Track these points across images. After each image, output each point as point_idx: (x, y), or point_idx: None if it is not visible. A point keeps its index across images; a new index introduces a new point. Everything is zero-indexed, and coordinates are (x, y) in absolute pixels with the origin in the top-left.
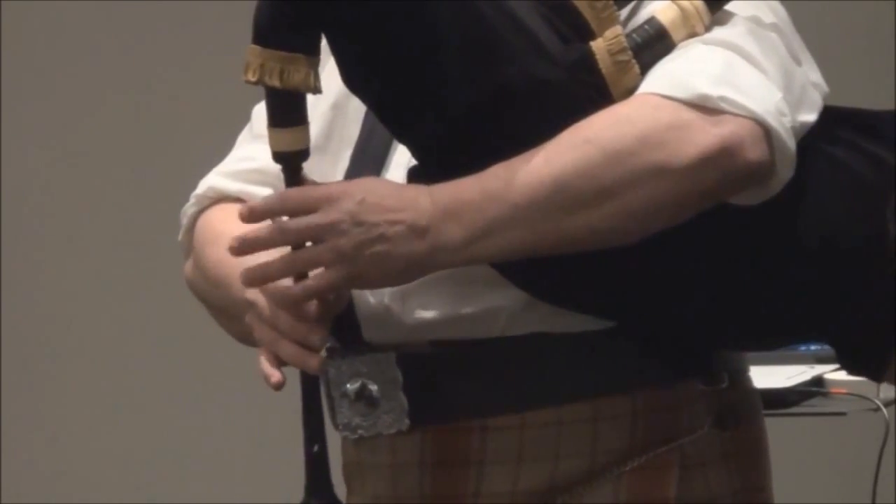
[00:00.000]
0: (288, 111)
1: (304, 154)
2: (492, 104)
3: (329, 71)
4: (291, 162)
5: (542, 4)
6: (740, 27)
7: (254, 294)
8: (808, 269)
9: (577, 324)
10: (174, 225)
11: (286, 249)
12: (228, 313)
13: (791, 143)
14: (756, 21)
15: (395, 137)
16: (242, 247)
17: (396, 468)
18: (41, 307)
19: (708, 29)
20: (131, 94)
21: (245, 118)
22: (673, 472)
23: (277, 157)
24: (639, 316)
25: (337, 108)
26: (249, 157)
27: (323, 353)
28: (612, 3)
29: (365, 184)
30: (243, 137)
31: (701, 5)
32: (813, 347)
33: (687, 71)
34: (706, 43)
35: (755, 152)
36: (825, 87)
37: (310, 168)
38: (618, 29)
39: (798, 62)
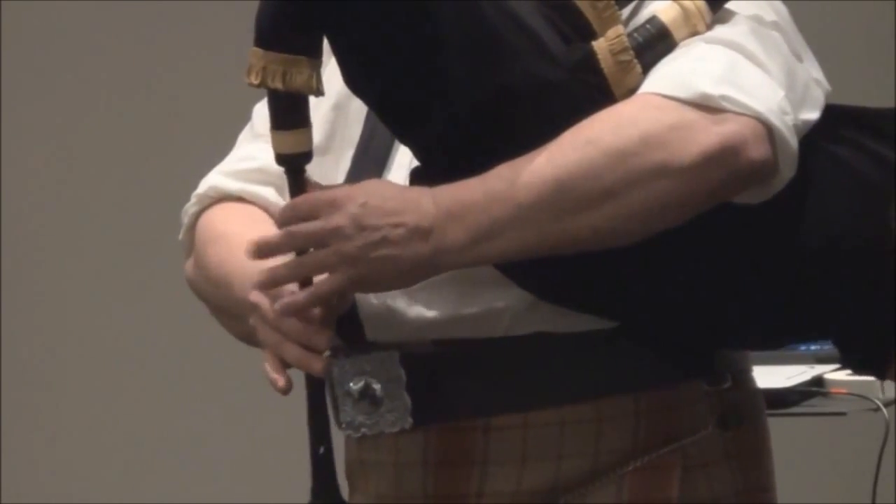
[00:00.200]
0: (290, 113)
1: (307, 156)
2: (494, 105)
3: (330, 71)
4: (294, 164)
5: (543, 5)
6: (742, 26)
7: (257, 296)
8: (811, 267)
9: (580, 324)
10: (175, 224)
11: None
12: (230, 313)
13: (794, 142)
14: (758, 19)
15: (397, 138)
16: (258, 252)
17: (399, 467)
18: (41, 307)
19: (709, 28)
20: (131, 94)
21: (246, 118)
22: (676, 472)
23: (280, 159)
24: (641, 315)
25: (338, 108)
26: (250, 157)
27: (326, 353)
28: (613, 2)
29: (367, 187)
30: (244, 136)
31: (702, 4)
32: (813, 347)
33: (689, 70)
34: (708, 42)
35: (758, 151)
36: (827, 85)
37: (312, 169)
38: (619, 28)
39: (800, 60)
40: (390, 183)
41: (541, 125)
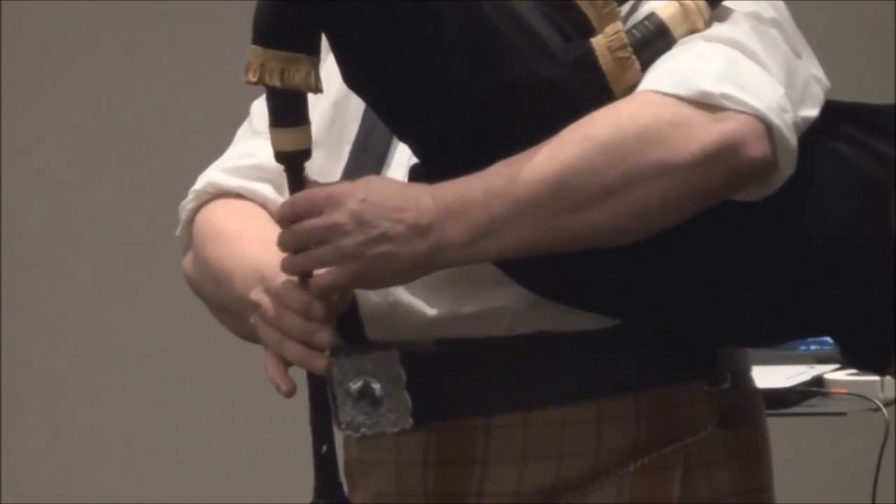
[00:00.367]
0: (289, 111)
1: (305, 154)
2: (494, 103)
3: (329, 68)
4: (293, 162)
5: (542, 2)
6: (742, 24)
7: (258, 294)
8: (812, 264)
9: (581, 322)
10: (174, 222)
11: None
12: (230, 311)
13: (793, 140)
14: (757, 17)
15: (397, 136)
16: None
17: (400, 466)
18: (41, 307)
19: (708, 25)
20: (130, 92)
21: (243, 115)
22: (676, 472)
23: (279, 156)
24: (643, 312)
25: (338, 105)
26: (248, 154)
27: (327, 352)
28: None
29: (367, 183)
30: (242, 133)
31: (702, 3)
32: (813, 347)
33: (689, 68)
34: (707, 40)
35: (757, 149)
36: (826, 82)
37: (311, 166)
38: (618, 25)
39: (799, 57)
40: (390, 180)
41: (540, 122)
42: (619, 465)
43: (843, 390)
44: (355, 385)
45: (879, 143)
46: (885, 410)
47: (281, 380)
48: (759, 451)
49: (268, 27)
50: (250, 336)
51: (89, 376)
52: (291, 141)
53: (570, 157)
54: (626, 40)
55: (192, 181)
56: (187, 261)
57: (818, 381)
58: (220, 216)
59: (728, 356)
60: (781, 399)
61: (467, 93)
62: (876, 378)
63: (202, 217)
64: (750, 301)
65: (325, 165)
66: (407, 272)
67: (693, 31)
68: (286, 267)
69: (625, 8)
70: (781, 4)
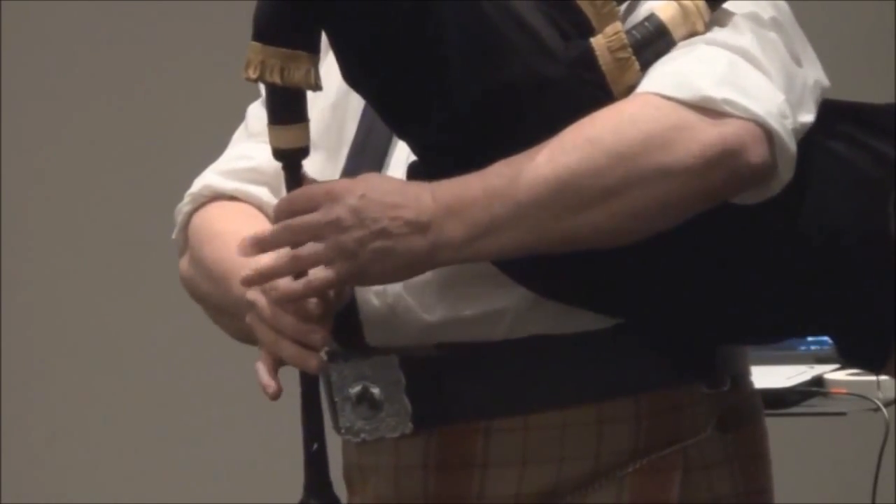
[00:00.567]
0: (288, 108)
1: (304, 151)
2: (494, 102)
3: (328, 67)
4: (292, 159)
5: (542, 2)
6: (742, 27)
7: (254, 294)
8: (810, 264)
9: (581, 323)
10: (174, 222)
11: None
12: (227, 312)
13: (792, 145)
14: (756, 19)
15: (396, 135)
16: (254, 247)
17: (399, 470)
18: (41, 307)
19: (708, 26)
20: (130, 92)
21: (240, 117)
22: (676, 474)
23: (278, 154)
24: (642, 311)
25: (337, 104)
26: (245, 156)
27: (324, 355)
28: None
29: (367, 180)
30: (238, 136)
31: (701, 3)
32: (813, 347)
33: (690, 72)
34: (708, 44)
35: (757, 154)
36: (826, 82)
37: (309, 165)
38: (618, 25)
39: (798, 59)
40: (389, 177)
41: (540, 122)
42: (618, 467)
43: (843, 390)
44: (354, 390)
45: (878, 143)
46: (884, 410)
47: (267, 382)
48: (759, 454)
49: (268, 24)
50: (247, 338)
51: (89, 376)
52: (290, 138)
53: (571, 158)
54: (625, 41)
55: (189, 179)
56: (184, 263)
57: (818, 381)
58: (216, 218)
59: (727, 359)
60: (781, 399)
61: (467, 92)
62: (875, 378)
63: (198, 219)
64: (749, 300)
65: (324, 165)
66: (404, 269)
67: (693, 32)
68: (281, 263)
69: (621, 8)
70: (783, 3)
